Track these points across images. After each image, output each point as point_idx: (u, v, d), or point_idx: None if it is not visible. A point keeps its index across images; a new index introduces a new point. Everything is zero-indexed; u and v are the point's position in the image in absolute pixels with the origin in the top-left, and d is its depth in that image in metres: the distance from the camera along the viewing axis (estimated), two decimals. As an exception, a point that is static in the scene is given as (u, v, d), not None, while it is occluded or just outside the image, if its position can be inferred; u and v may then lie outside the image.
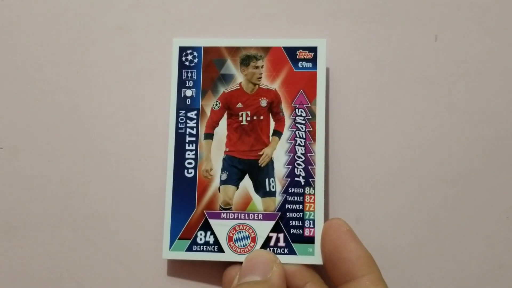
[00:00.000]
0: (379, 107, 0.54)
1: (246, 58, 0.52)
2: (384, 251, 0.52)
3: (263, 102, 0.52)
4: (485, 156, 0.54)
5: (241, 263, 0.49)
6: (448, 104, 0.54)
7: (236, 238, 0.50)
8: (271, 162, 0.51)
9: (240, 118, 0.52)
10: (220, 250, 0.50)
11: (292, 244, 0.50)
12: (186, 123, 0.52)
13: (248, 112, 0.52)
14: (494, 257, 0.53)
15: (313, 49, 0.52)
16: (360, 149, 0.54)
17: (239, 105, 0.52)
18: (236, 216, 0.51)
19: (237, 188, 0.51)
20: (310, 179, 0.50)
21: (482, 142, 0.54)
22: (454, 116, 0.54)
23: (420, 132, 0.54)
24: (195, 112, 0.52)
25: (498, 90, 0.54)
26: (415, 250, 0.53)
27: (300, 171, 0.51)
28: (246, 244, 0.50)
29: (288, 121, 0.51)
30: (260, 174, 0.51)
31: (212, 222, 0.51)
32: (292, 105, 0.51)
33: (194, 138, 0.52)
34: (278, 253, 0.50)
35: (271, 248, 0.50)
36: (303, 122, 0.51)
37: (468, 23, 0.55)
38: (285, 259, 0.49)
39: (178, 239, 0.50)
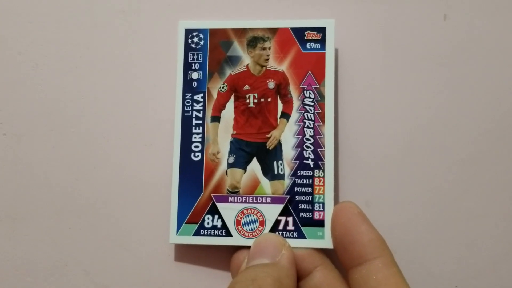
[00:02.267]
0: (388, 88, 0.53)
1: (253, 39, 0.51)
2: (394, 235, 0.51)
3: (271, 84, 0.51)
4: (496, 136, 0.53)
5: (249, 247, 0.48)
6: (457, 84, 0.53)
7: (244, 222, 0.49)
8: (279, 145, 0.50)
9: (248, 101, 0.51)
10: (228, 234, 0.49)
11: (301, 227, 0.49)
12: (192, 106, 0.51)
13: (256, 94, 0.51)
14: (507, 239, 0.52)
15: (322, 30, 0.51)
16: (369, 131, 0.53)
17: (246, 87, 0.51)
18: (244, 199, 0.50)
19: (245, 171, 0.50)
20: (319, 162, 0.50)
21: (493, 122, 0.53)
22: (464, 97, 0.53)
23: (429, 113, 0.53)
24: (202, 95, 0.51)
25: (508, 70, 0.53)
26: (426, 233, 0.52)
27: (309, 153, 0.50)
28: (254, 228, 0.49)
29: (296, 103, 0.51)
30: (268, 157, 0.50)
31: (220, 206, 0.50)
32: (300, 86, 0.51)
33: (200, 121, 0.51)
34: (287, 237, 0.49)
35: (280, 232, 0.49)
36: (312, 103, 0.50)
37: (477, 2, 0.54)
38: (294, 243, 0.48)
39: (185, 223, 0.50)
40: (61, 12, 0.56)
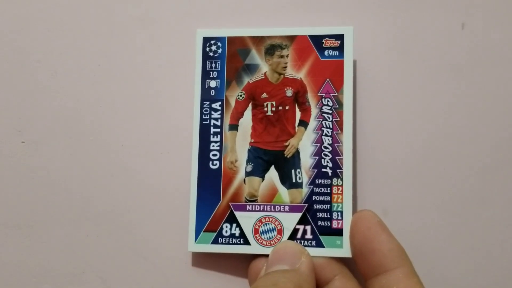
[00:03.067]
0: (407, 97, 0.53)
1: (271, 47, 0.51)
2: (413, 244, 0.50)
3: (289, 92, 0.51)
4: None
5: (267, 255, 0.48)
6: (475, 92, 0.53)
7: (262, 230, 0.49)
8: (297, 153, 0.50)
9: (265, 109, 0.51)
10: (246, 242, 0.49)
11: (319, 236, 0.49)
12: (210, 114, 0.51)
13: (273, 102, 0.51)
14: None
15: (340, 37, 0.51)
16: (387, 139, 0.53)
17: (264, 95, 0.51)
18: (262, 208, 0.50)
19: (263, 179, 0.50)
20: (337, 170, 0.49)
21: (511, 130, 0.53)
22: (482, 105, 0.53)
23: (448, 122, 0.53)
24: (219, 103, 0.51)
25: None
26: (444, 242, 0.52)
27: (327, 161, 0.50)
28: (272, 237, 0.49)
29: (314, 111, 0.50)
30: (286, 165, 0.50)
31: (238, 214, 0.50)
32: (319, 94, 0.50)
33: (218, 130, 0.51)
34: (306, 246, 0.49)
35: (298, 241, 0.49)
36: (330, 111, 0.50)
37: (495, 10, 0.54)
38: (313, 251, 0.48)
39: (204, 231, 0.50)
40: (79, 21, 0.56)
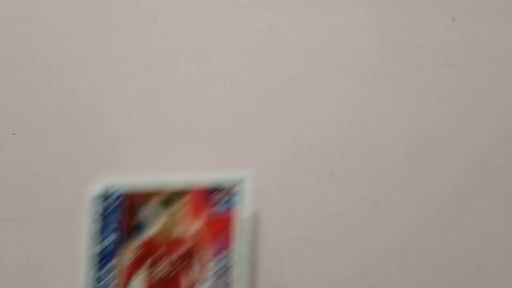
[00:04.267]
0: (398, 91, 0.54)
1: (165, 202, 0.49)
2: (404, 237, 0.51)
3: (181, 250, 0.48)
4: (506, 137, 0.53)
5: None
6: (467, 85, 0.54)
7: None
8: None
9: (158, 268, 0.48)
10: None
11: None
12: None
13: (166, 262, 0.48)
14: None
15: (236, 186, 0.48)
16: (379, 132, 0.53)
17: (157, 253, 0.48)
18: None
19: None
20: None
21: (503, 123, 0.53)
22: (473, 98, 0.53)
23: (439, 115, 0.53)
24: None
25: None
26: (437, 235, 0.52)
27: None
28: None
29: (208, 269, 0.47)
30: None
31: None
32: (212, 251, 0.48)
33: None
34: None
35: None
36: (224, 269, 0.47)
37: (485, 4, 0.55)
38: None
39: None
40: (72, 15, 0.57)
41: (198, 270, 0.47)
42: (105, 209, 0.49)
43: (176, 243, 0.48)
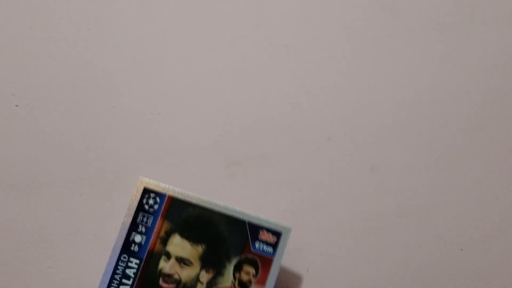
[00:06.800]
0: (394, 56, 0.54)
1: None
2: (400, 199, 0.51)
3: None
4: (500, 101, 0.54)
5: None
6: (460, 51, 0.54)
7: None
8: None
9: None
10: None
11: None
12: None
13: None
14: None
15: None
16: (374, 97, 0.54)
17: None
18: None
19: None
20: None
21: (496, 87, 0.54)
22: (469, 64, 0.54)
23: (434, 80, 0.54)
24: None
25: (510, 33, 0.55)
26: (432, 198, 0.52)
27: None
28: None
29: None
30: None
31: None
32: None
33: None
34: None
35: None
36: None
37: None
38: None
39: None
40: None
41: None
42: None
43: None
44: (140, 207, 0.48)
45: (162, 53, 0.55)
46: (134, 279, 0.47)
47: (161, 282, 0.47)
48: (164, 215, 0.48)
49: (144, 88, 0.54)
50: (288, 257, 0.51)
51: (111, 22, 0.55)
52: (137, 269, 0.48)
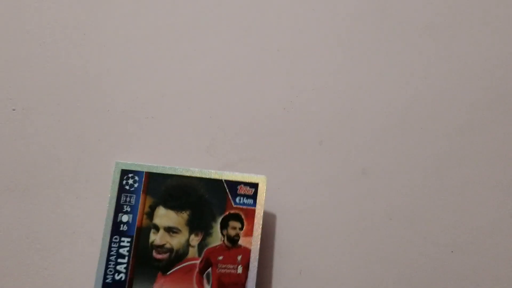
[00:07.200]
0: (385, 59, 0.55)
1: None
2: (391, 202, 0.51)
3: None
4: (490, 104, 0.54)
5: None
6: (452, 53, 0.54)
7: None
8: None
9: None
10: None
11: None
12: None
13: None
14: (504, 205, 0.52)
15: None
16: (366, 99, 0.54)
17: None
18: None
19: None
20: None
21: (486, 91, 0.54)
22: (460, 67, 0.54)
23: (425, 82, 0.54)
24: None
25: (502, 40, 0.55)
26: (423, 200, 0.52)
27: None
28: None
29: None
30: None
31: None
32: None
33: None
34: None
35: None
36: None
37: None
38: None
39: None
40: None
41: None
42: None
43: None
44: (121, 189, 0.51)
45: (156, 57, 0.56)
46: (128, 256, 0.49)
47: (154, 254, 0.49)
48: (145, 191, 0.51)
49: (139, 91, 0.56)
50: (281, 259, 0.52)
51: (106, 27, 0.57)
52: (130, 247, 0.50)
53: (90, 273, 0.52)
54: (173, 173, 0.51)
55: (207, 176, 0.50)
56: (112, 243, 0.50)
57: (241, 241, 0.49)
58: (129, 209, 0.50)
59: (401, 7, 0.56)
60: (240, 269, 0.49)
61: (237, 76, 0.56)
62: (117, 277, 0.49)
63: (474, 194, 0.52)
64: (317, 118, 0.54)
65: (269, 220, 0.52)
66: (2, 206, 0.54)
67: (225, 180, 0.50)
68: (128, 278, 0.49)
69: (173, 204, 0.50)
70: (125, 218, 0.50)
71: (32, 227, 0.54)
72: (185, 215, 0.50)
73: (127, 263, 0.49)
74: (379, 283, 0.49)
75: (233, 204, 0.50)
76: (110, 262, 0.49)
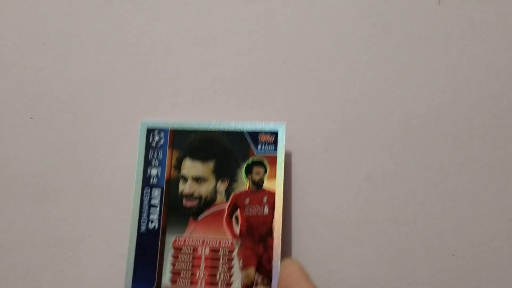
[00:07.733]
0: (387, 71, 0.57)
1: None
2: (394, 208, 0.53)
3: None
4: (493, 111, 0.56)
5: None
6: (453, 67, 0.57)
7: None
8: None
9: None
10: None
11: None
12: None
13: None
14: (504, 211, 0.53)
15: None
16: (371, 106, 0.56)
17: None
18: None
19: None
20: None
21: (489, 98, 0.56)
22: (462, 76, 0.56)
23: (428, 91, 0.56)
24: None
25: (501, 52, 0.57)
26: (425, 205, 0.53)
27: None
28: None
29: None
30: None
31: None
32: None
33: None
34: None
35: None
36: None
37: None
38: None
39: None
40: (81, 7, 0.62)
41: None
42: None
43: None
44: (148, 145, 0.54)
45: (160, 66, 0.59)
46: (160, 205, 0.52)
47: (184, 202, 0.52)
48: (171, 146, 0.54)
49: (148, 100, 0.59)
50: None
51: (119, 39, 0.60)
52: (161, 197, 0.53)
53: (104, 275, 0.54)
54: (197, 127, 0.54)
55: (229, 128, 0.54)
56: (144, 195, 0.53)
57: (265, 185, 0.52)
58: (157, 163, 0.54)
59: (401, 20, 0.58)
60: (266, 210, 0.51)
61: (242, 86, 0.59)
62: (150, 226, 0.51)
63: (476, 199, 0.54)
64: (321, 126, 0.56)
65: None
66: (22, 211, 0.56)
67: (247, 131, 0.54)
68: (161, 226, 0.51)
69: (199, 155, 0.54)
70: (154, 171, 0.53)
71: (50, 231, 0.56)
72: (210, 164, 0.53)
73: (160, 212, 0.52)
74: (382, 286, 0.50)
75: (255, 152, 0.53)
76: (143, 212, 0.52)
